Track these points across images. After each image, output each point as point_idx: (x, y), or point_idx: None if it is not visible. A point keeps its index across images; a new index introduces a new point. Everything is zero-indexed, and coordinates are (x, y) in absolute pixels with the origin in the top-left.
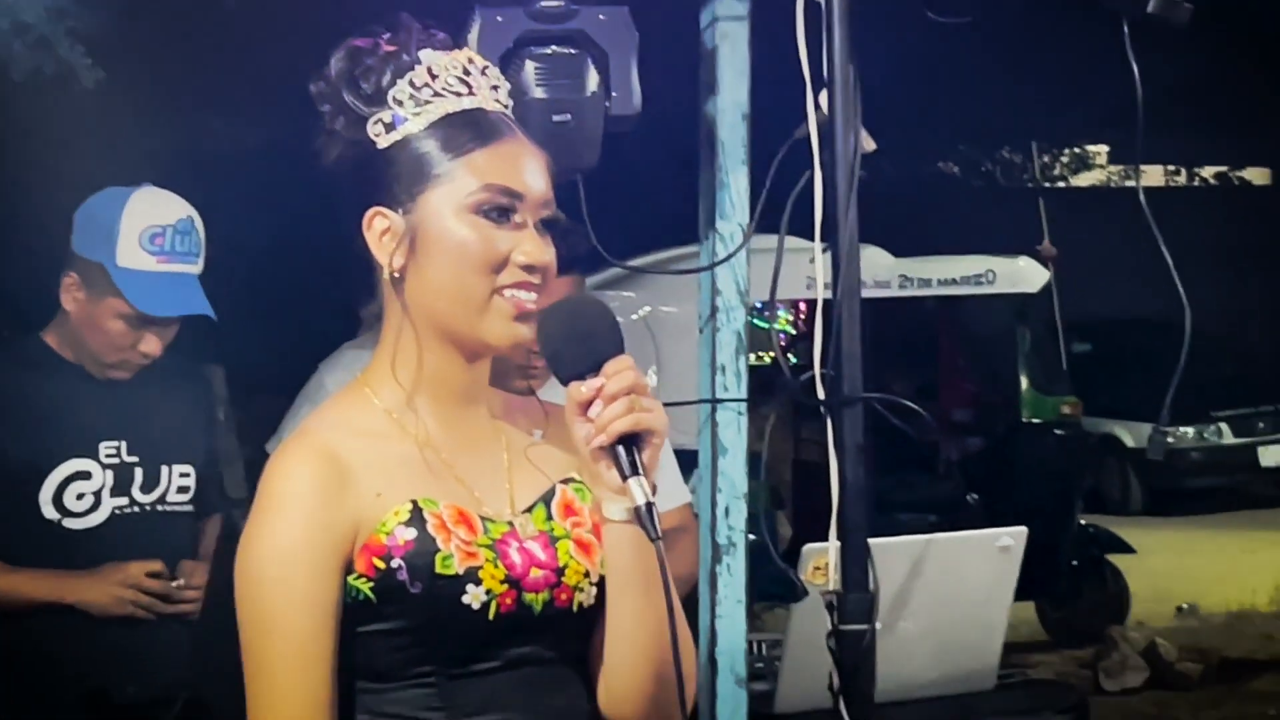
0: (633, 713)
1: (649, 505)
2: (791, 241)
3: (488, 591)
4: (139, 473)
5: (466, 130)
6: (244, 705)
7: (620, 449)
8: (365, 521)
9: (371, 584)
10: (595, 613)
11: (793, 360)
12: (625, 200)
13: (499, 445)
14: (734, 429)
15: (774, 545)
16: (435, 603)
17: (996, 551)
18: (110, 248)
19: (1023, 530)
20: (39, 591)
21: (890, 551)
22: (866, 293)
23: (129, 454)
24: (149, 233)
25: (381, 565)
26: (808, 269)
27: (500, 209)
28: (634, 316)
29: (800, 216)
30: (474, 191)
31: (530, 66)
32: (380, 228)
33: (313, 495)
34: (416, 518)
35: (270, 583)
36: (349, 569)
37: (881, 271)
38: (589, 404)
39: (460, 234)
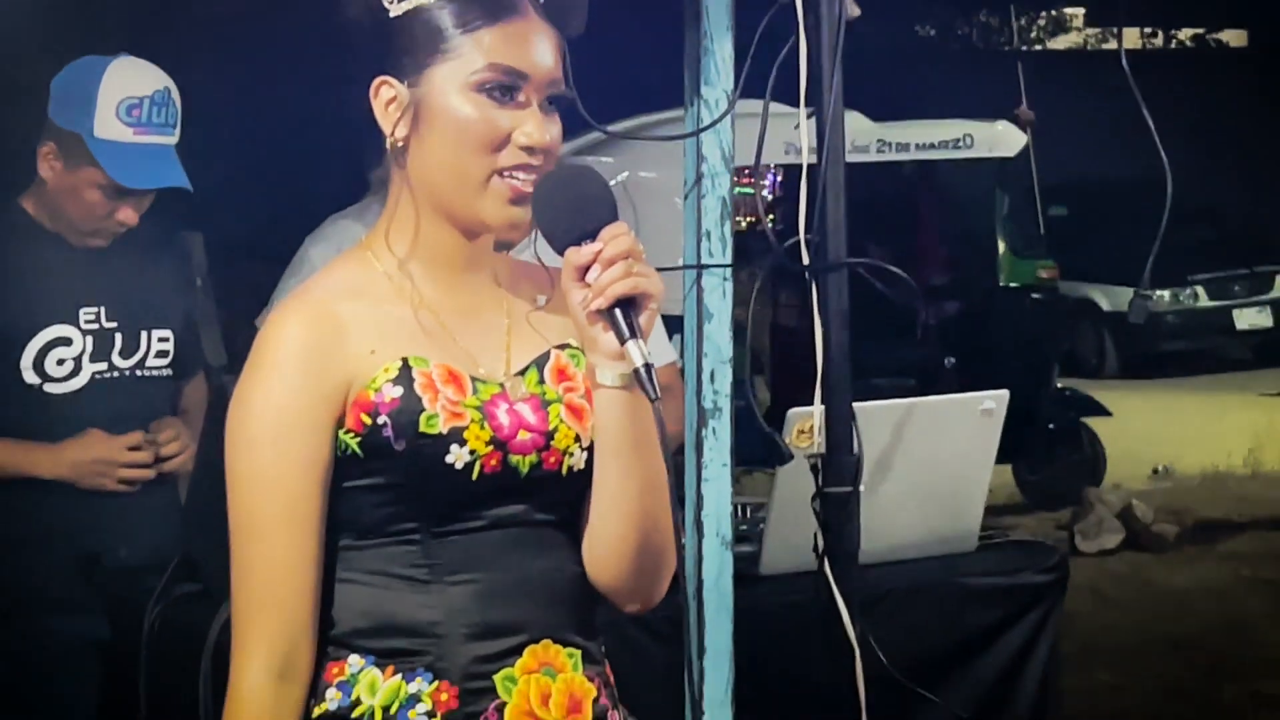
0: (618, 575)
1: (648, 366)
2: (772, 107)
3: (471, 452)
4: (118, 338)
5: (477, 5)
6: None
7: (618, 312)
8: (357, 378)
9: (359, 439)
10: (585, 477)
11: (770, 224)
12: (604, 65)
13: (500, 310)
14: (719, 294)
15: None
16: (419, 460)
17: (979, 415)
18: (88, 118)
19: (1004, 394)
20: (11, 462)
21: (873, 415)
22: (846, 157)
23: (108, 320)
24: (126, 104)
25: (368, 421)
26: (788, 135)
27: (504, 88)
28: (612, 182)
29: (784, 81)
30: (479, 70)
31: None
32: (386, 97)
33: (305, 353)
34: (404, 376)
35: (262, 441)
36: (340, 425)
37: (860, 136)
38: (586, 269)
39: (462, 111)
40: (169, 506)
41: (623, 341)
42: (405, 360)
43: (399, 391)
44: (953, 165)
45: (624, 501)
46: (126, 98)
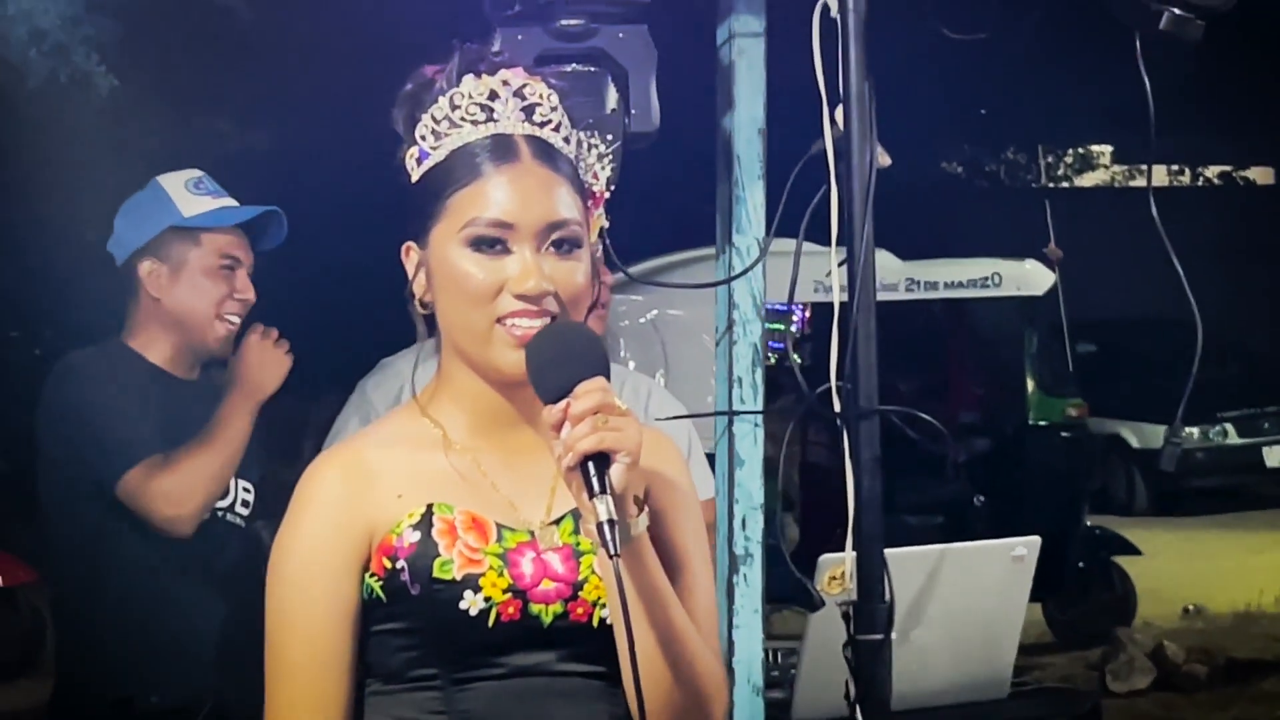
0: None
1: (611, 522)
2: (795, 245)
3: (486, 599)
4: None
5: (469, 161)
6: None
7: (591, 466)
8: (382, 522)
9: (381, 583)
10: None
11: (796, 360)
12: (636, 204)
13: (549, 458)
14: (750, 440)
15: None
16: (434, 606)
17: (1010, 561)
18: (170, 214)
19: (1036, 540)
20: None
21: (905, 561)
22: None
23: None
24: (190, 181)
25: (389, 565)
26: (817, 273)
27: (490, 240)
28: (641, 320)
29: (815, 228)
30: (465, 225)
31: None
32: (413, 261)
33: (333, 498)
34: (425, 521)
35: (290, 584)
36: (367, 568)
37: (888, 274)
38: (561, 426)
39: (457, 268)
40: (202, 651)
41: (590, 496)
42: (430, 506)
43: (417, 537)
44: (982, 303)
45: (641, 657)
46: (186, 180)
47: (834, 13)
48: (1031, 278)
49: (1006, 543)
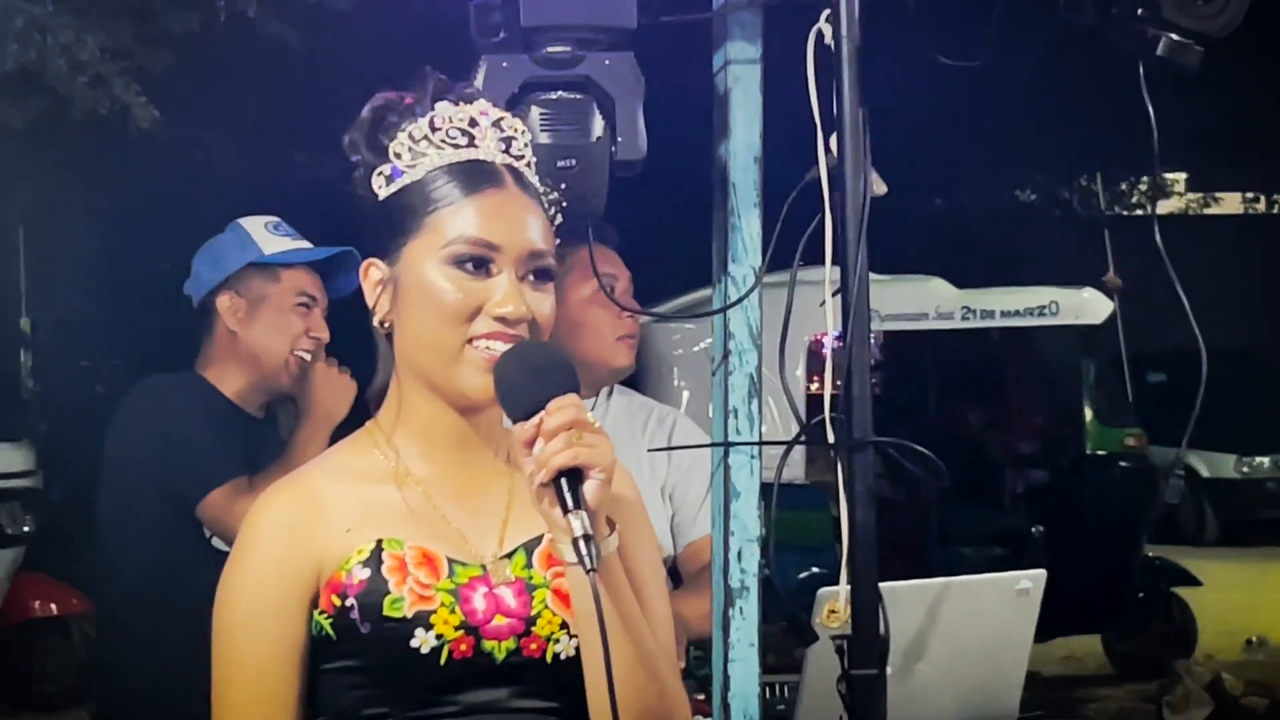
0: None
1: (586, 537)
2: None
3: (439, 636)
4: None
5: (453, 181)
6: None
7: (564, 482)
8: (330, 558)
9: (331, 620)
10: (579, 664)
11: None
12: (649, 244)
13: (503, 489)
14: (746, 472)
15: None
16: (384, 644)
17: (1014, 594)
18: (250, 251)
19: (1041, 573)
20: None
21: (904, 595)
22: (928, 324)
23: None
24: (269, 224)
25: (338, 603)
26: (871, 302)
27: (476, 260)
28: (696, 349)
29: (812, 253)
30: (450, 242)
31: (535, 112)
32: (374, 278)
33: (279, 534)
34: (374, 558)
35: (236, 622)
36: (315, 605)
37: (944, 303)
38: (533, 442)
39: (436, 284)
40: None
41: (565, 513)
42: (379, 542)
43: (366, 574)
44: (1039, 332)
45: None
46: (266, 222)
47: (828, 39)
48: (1090, 306)
49: (1011, 576)
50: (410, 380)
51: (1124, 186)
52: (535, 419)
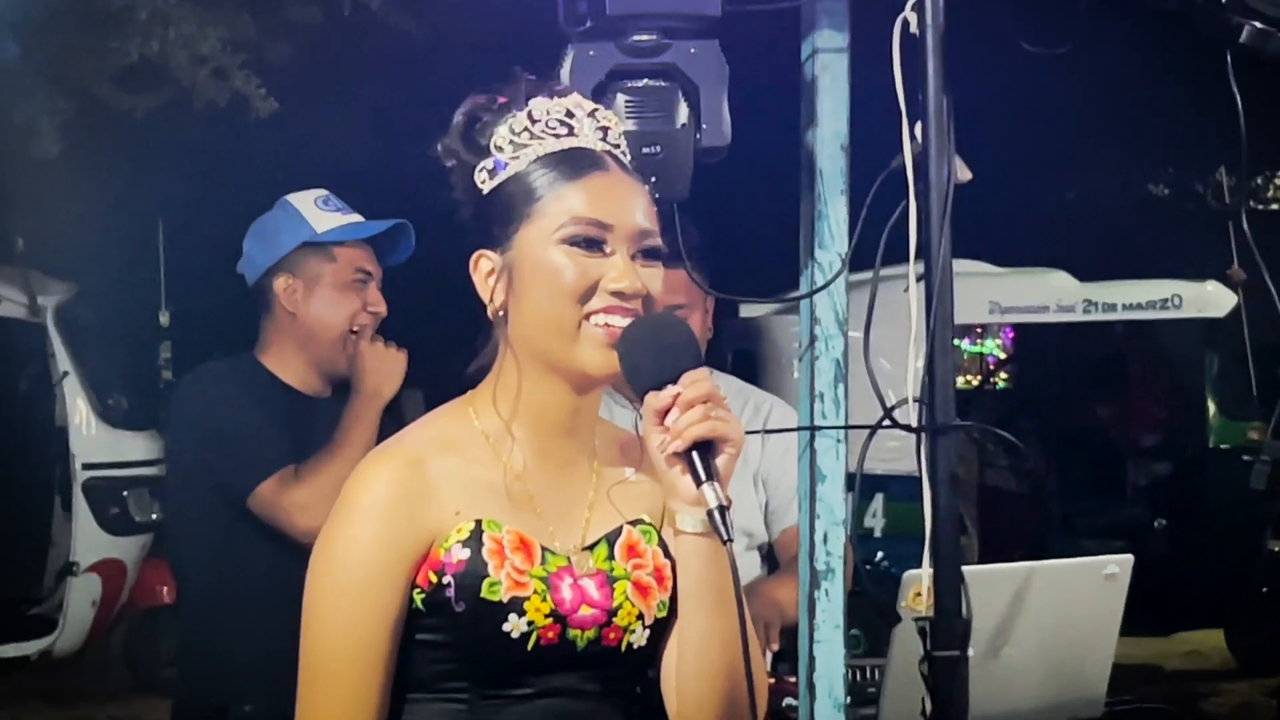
0: None
1: (721, 509)
2: (971, 265)
3: (529, 623)
4: None
5: (560, 167)
6: None
7: (695, 454)
8: (436, 535)
9: (424, 596)
10: (646, 653)
11: (1000, 384)
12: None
13: (588, 482)
14: (833, 456)
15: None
16: (477, 625)
17: (1102, 580)
18: (304, 227)
19: (1129, 558)
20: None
21: (993, 579)
22: (1049, 317)
23: None
24: (319, 200)
25: (435, 580)
26: (994, 294)
27: (589, 240)
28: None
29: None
30: (564, 224)
31: (621, 99)
32: (485, 269)
33: (392, 505)
34: (475, 538)
35: (338, 590)
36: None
37: (1066, 296)
38: (665, 413)
39: (552, 263)
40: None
41: (699, 484)
42: (479, 523)
43: (466, 554)
44: (1162, 325)
45: (707, 654)
46: (315, 198)
47: (914, 28)
48: (1213, 299)
49: (1098, 560)
50: (529, 364)
51: (1259, 180)
52: (670, 390)
